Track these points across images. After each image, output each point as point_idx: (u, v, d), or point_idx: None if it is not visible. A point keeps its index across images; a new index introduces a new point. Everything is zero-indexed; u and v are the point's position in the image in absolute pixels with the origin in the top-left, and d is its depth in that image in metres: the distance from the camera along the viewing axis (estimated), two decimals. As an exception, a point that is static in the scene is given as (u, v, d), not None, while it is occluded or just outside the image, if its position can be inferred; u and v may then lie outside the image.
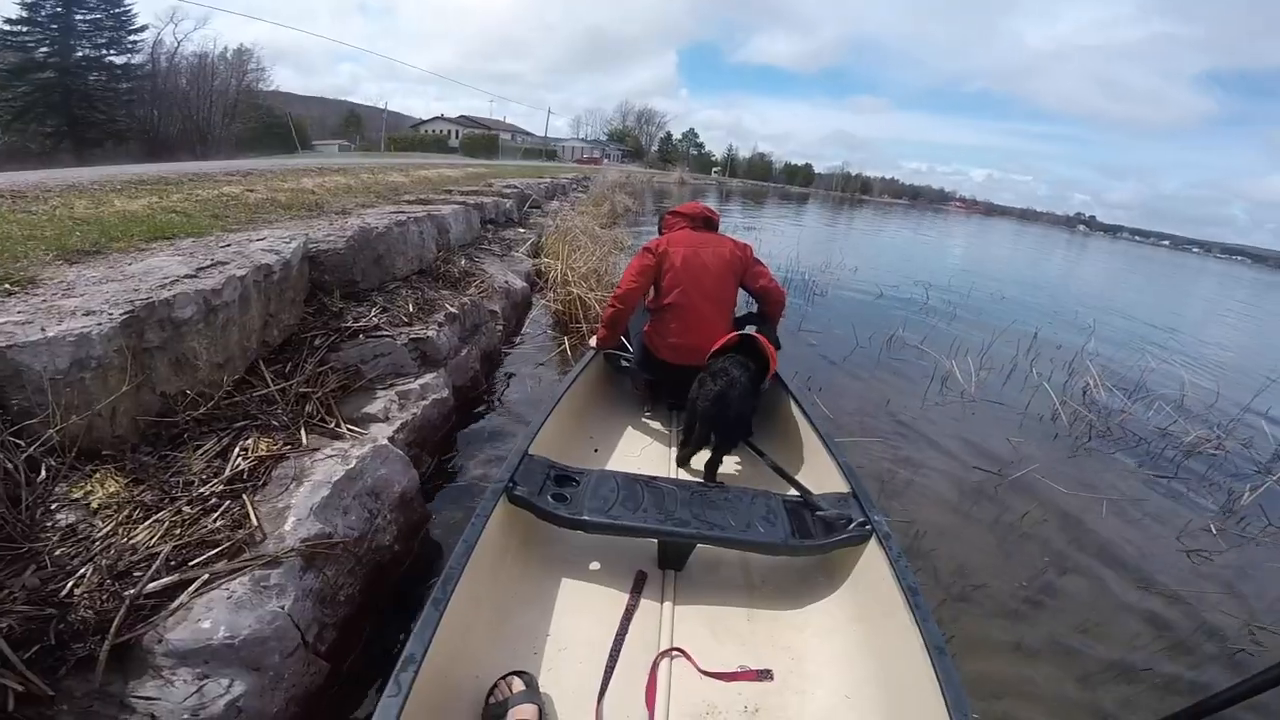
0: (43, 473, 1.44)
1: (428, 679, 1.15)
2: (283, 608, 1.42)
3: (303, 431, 1.93)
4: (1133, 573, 2.65)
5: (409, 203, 5.00)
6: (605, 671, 1.49)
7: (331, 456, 1.83)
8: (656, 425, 2.75)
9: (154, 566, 1.34)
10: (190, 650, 1.27)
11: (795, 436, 2.49)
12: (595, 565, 1.84)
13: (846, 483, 1.97)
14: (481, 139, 48.50)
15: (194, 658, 1.27)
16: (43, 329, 1.50)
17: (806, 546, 1.75)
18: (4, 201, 3.68)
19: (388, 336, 2.70)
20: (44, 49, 30.92)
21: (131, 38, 33.20)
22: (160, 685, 1.24)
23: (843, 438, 3.20)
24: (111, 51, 32.84)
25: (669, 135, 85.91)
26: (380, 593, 1.86)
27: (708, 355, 2.36)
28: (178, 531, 1.44)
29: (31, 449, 1.40)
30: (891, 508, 2.83)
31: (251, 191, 4.56)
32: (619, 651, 1.55)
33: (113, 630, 1.24)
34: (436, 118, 57.16)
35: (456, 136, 51.91)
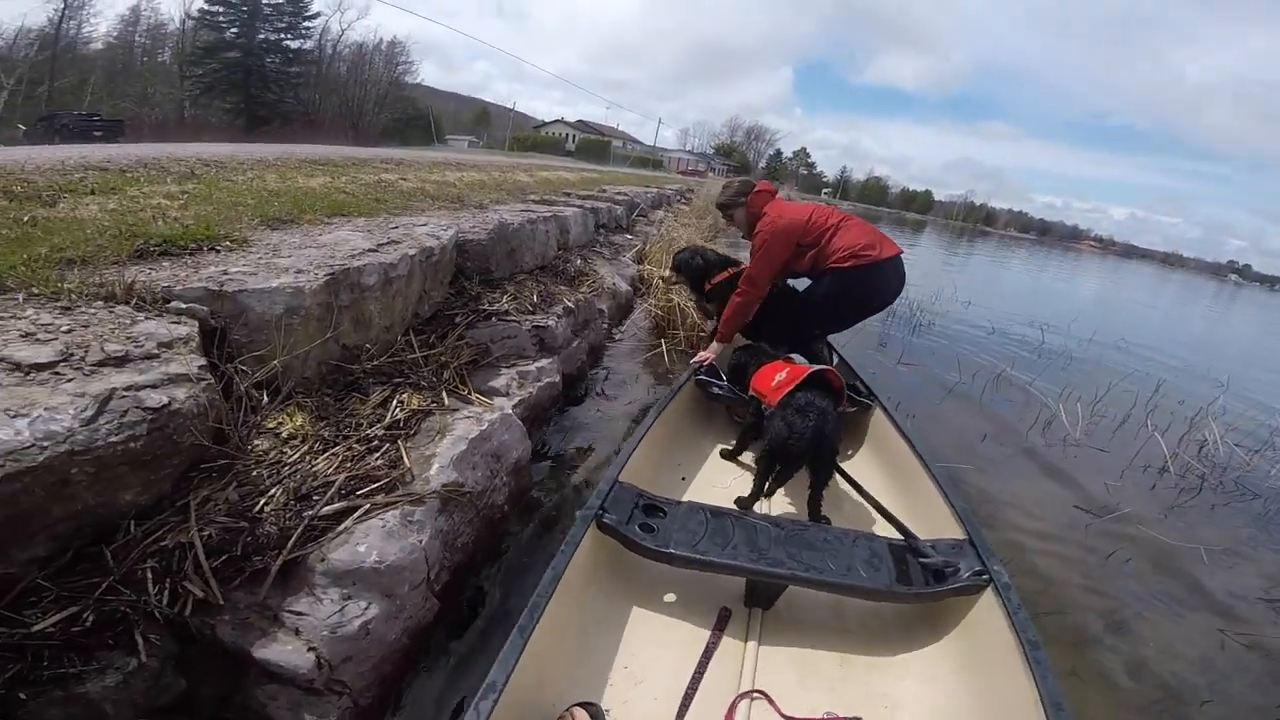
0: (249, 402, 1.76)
1: (504, 707, 1.16)
2: (420, 542, 1.60)
3: (444, 394, 2.19)
4: (1232, 621, 2.50)
5: (534, 202, 5.37)
6: (680, 709, 1.47)
7: (468, 418, 2.08)
8: (746, 457, 2.70)
9: (329, 493, 1.58)
10: (345, 571, 1.44)
11: (901, 475, 2.42)
12: (677, 599, 1.82)
13: (962, 528, 1.89)
14: (595, 144, 50.10)
15: (345, 579, 1.44)
16: (269, 280, 1.83)
17: (915, 594, 1.68)
18: (209, 170, 4.34)
19: (514, 321, 2.98)
20: (233, 30, 34.82)
21: (306, 23, 36.77)
22: (311, 602, 1.39)
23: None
24: (288, 36, 36.53)
25: (779, 152, 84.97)
26: (486, 548, 2.04)
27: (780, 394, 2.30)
28: (348, 465, 1.70)
29: (254, 377, 1.71)
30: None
31: (404, 180, 5.09)
32: (696, 689, 1.52)
33: (289, 546, 1.41)
34: (557, 120, 59.81)
35: (573, 140, 53.97)
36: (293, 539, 1.44)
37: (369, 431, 1.84)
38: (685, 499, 1.99)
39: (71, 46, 30.51)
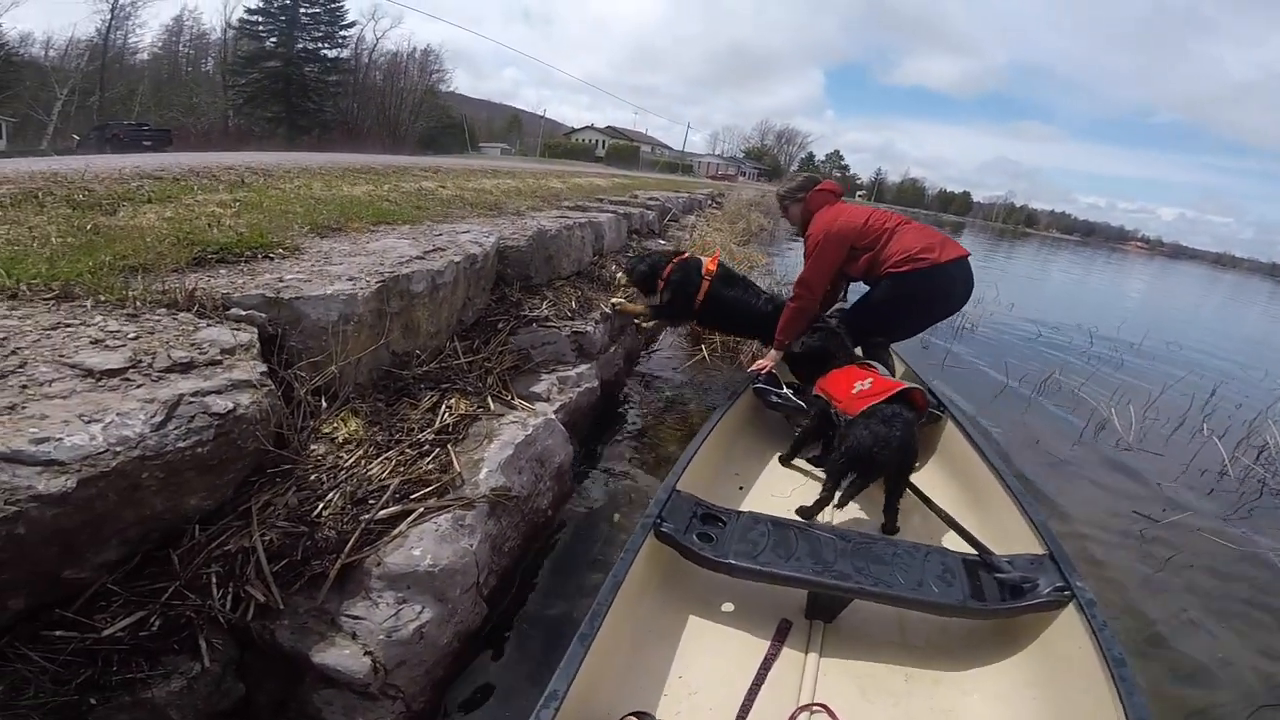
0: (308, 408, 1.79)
1: (563, 715, 1.16)
2: (471, 546, 1.62)
3: (489, 399, 2.21)
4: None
5: (569, 209, 5.40)
6: None
7: (513, 422, 2.09)
8: (806, 467, 2.64)
9: (385, 497, 1.60)
10: (400, 574, 1.45)
11: (973, 488, 2.35)
12: (735, 609, 1.79)
13: (1041, 543, 1.83)
14: (625, 149, 50.37)
15: (400, 582, 1.45)
16: (323, 287, 1.86)
17: (991, 610, 1.63)
18: (258, 179, 4.46)
19: (554, 327, 2.98)
20: (273, 39, 35.91)
21: (343, 33, 37.75)
22: (368, 606, 1.41)
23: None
24: (326, 45, 37.56)
25: (810, 156, 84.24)
26: (530, 552, 2.06)
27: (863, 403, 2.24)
28: (402, 469, 1.71)
29: (312, 383, 1.74)
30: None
31: (443, 188, 5.17)
32: (753, 701, 1.50)
33: (347, 549, 1.43)
34: (587, 127, 60.35)
35: (602, 146, 54.33)
36: (350, 543, 1.46)
37: (420, 436, 1.86)
38: (744, 508, 1.96)
39: (119, 57, 31.93)
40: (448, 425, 1.94)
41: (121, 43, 32.15)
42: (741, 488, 2.44)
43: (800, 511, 2.13)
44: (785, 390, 2.84)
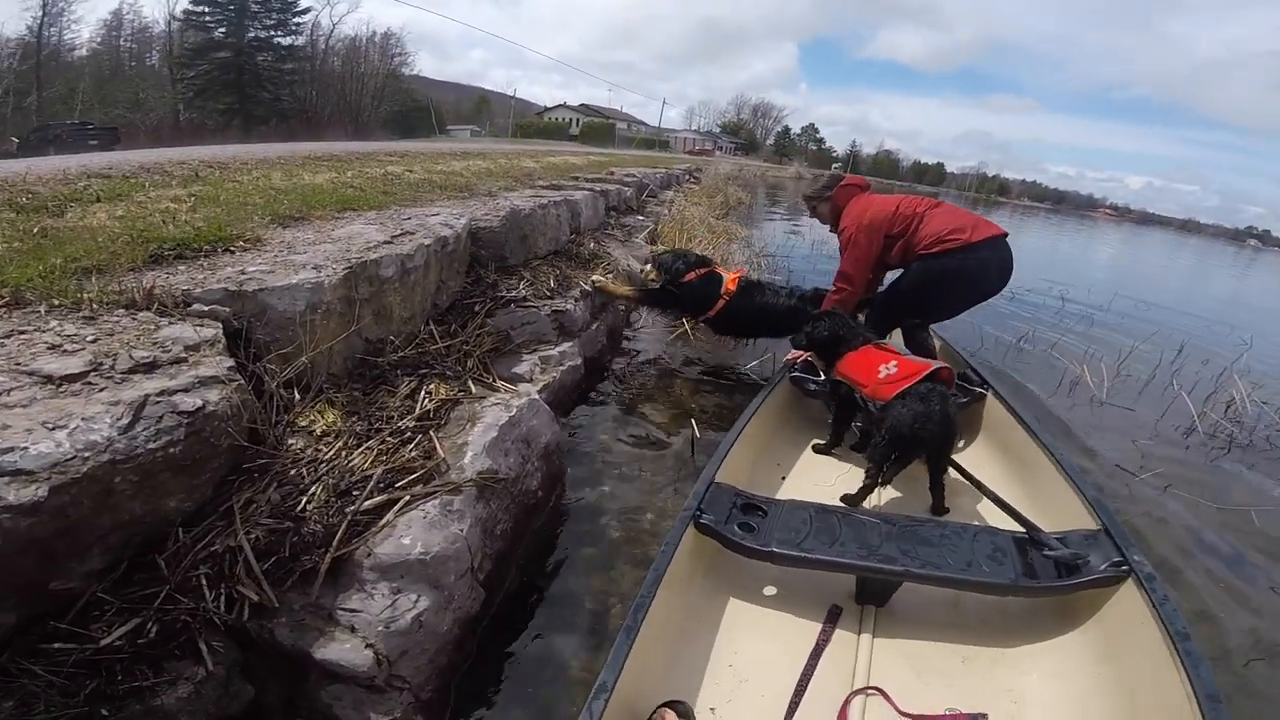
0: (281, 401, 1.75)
1: (613, 708, 1.16)
2: (461, 531, 1.59)
3: (469, 382, 2.17)
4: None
5: (544, 187, 5.30)
6: (790, 707, 1.45)
7: (495, 405, 2.05)
8: (846, 453, 2.61)
9: (369, 487, 1.57)
10: (391, 564, 1.43)
11: (1021, 465, 2.34)
12: (782, 597, 1.78)
13: (1095, 518, 1.80)
14: (599, 127, 49.66)
15: (393, 572, 1.43)
16: (288, 277, 1.81)
17: (1045, 588, 1.62)
18: (213, 172, 4.30)
19: (533, 307, 2.95)
20: (221, 29, 34.44)
21: (296, 20, 36.36)
22: (363, 598, 1.39)
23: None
24: (279, 33, 36.16)
25: (786, 129, 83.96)
26: (525, 534, 2.03)
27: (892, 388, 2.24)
28: (384, 458, 1.68)
29: (283, 375, 1.69)
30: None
31: (410, 172, 5.04)
32: (806, 687, 1.49)
33: (335, 542, 1.41)
34: (560, 105, 59.23)
35: (576, 124, 53.48)
36: (338, 535, 1.44)
37: (400, 423, 1.82)
38: (785, 497, 1.96)
39: (55, 54, 30.33)
40: (428, 411, 1.91)
41: (57, 40, 30.57)
42: (783, 477, 2.42)
43: (845, 499, 2.12)
44: (822, 376, 2.78)
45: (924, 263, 2.83)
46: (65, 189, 3.06)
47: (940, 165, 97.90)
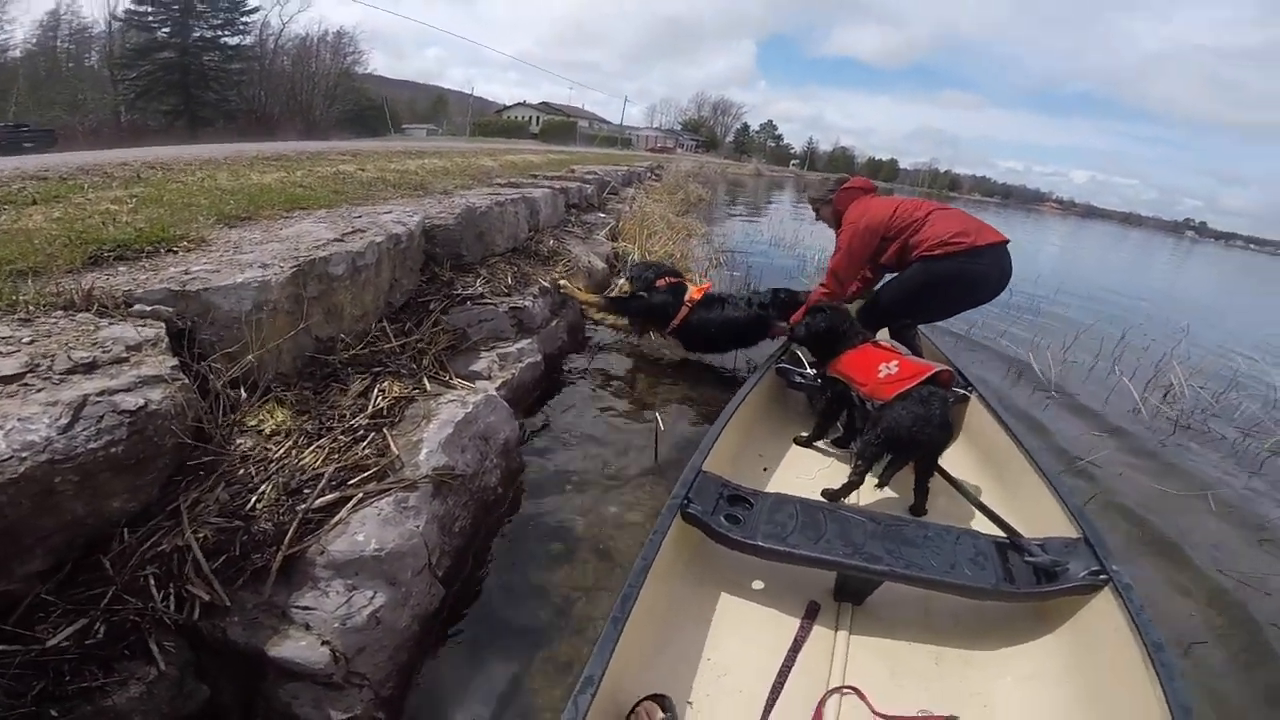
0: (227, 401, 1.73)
1: (598, 701, 1.15)
2: (418, 527, 1.59)
3: (425, 380, 2.18)
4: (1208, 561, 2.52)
5: (501, 185, 5.28)
6: (766, 705, 1.45)
7: (451, 401, 2.07)
8: (829, 448, 2.62)
9: (320, 485, 1.57)
10: (346, 561, 1.43)
11: (1002, 470, 2.34)
12: (763, 591, 1.78)
13: (1075, 526, 1.81)
14: (560, 125, 49.39)
15: (347, 569, 1.43)
16: (233, 276, 1.79)
17: (1024, 594, 1.62)
18: (156, 173, 4.17)
19: (490, 304, 2.96)
20: (165, 29, 33.10)
21: (244, 19, 35.21)
22: (317, 595, 1.39)
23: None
24: (226, 32, 34.96)
25: (745, 126, 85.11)
26: (483, 530, 2.05)
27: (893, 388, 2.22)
28: (336, 456, 1.68)
29: (229, 374, 1.68)
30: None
31: (363, 170, 4.96)
32: (783, 684, 1.49)
33: (286, 540, 1.41)
34: (519, 104, 58.73)
35: (537, 123, 53.12)
36: (290, 533, 1.44)
37: (353, 422, 1.83)
38: (770, 489, 1.95)
39: (-13, 56, 28.79)
40: (381, 409, 1.91)
41: (-11, 41, 29.00)
42: (766, 469, 2.42)
43: (827, 494, 2.12)
44: (809, 370, 2.82)
45: (925, 264, 2.86)
46: (-2, 191, 2.94)
47: (894, 161, 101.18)
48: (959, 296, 3.00)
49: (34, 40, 31.43)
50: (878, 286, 3.32)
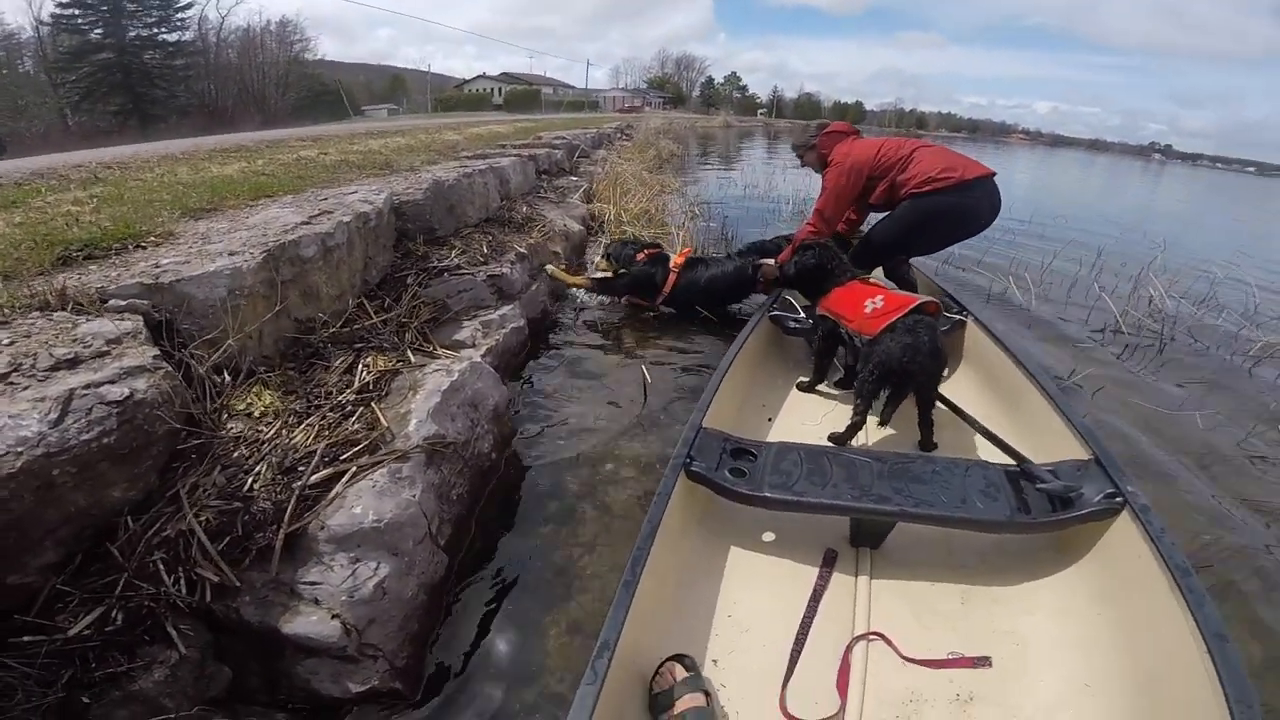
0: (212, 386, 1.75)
1: (617, 665, 1.14)
2: (414, 497, 1.61)
3: (409, 352, 2.20)
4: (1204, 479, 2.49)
5: (468, 158, 5.21)
6: (791, 657, 1.42)
7: (437, 371, 2.09)
8: (833, 390, 2.56)
9: (314, 461, 1.60)
10: (346, 535, 1.46)
11: (1007, 395, 2.27)
12: (777, 543, 1.73)
13: (1086, 448, 1.73)
14: (524, 95, 48.25)
15: (348, 542, 1.46)
16: (204, 266, 1.79)
17: (1040, 523, 1.56)
18: (113, 172, 4.08)
19: (468, 274, 2.96)
20: (97, 31, 31.82)
21: (179, 15, 33.98)
22: (323, 570, 1.42)
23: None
24: (163, 30, 33.76)
25: (710, 80, 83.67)
26: (482, 497, 2.07)
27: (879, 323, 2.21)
28: (326, 433, 1.71)
29: (212, 360, 1.69)
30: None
31: (325, 154, 4.87)
32: (806, 635, 1.46)
33: (286, 517, 1.44)
34: (479, 76, 57.40)
35: (499, 94, 51.91)
36: (289, 511, 1.46)
37: (340, 398, 1.85)
38: (775, 438, 1.91)
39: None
40: (368, 384, 1.93)
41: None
42: (770, 419, 2.37)
43: (833, 437, 2.08)
44: (801, 314, 2.81)
45: (915, 201, 2.90)
46: (-50, 203, 2.87)
47: (859, 104, 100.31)
48: (950, 230, 3.05)
49: (-41, 50, 29.98)
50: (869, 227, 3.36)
